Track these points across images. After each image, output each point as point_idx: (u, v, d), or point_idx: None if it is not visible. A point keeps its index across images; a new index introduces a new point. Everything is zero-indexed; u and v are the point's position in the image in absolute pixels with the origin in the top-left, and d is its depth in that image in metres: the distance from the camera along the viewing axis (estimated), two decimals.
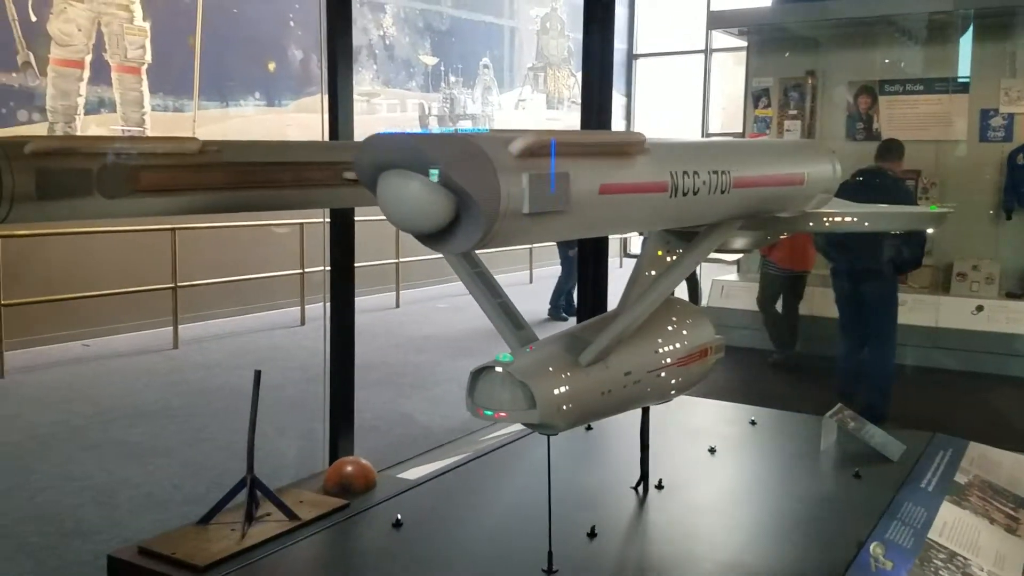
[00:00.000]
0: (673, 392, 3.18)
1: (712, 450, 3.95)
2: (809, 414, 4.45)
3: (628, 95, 17.21)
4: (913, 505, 3.38)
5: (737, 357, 8.44)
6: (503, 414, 2.45)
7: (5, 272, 7.52)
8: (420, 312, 11.03)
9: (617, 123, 17.08)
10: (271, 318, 10.14)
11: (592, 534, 3.04)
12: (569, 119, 16.14)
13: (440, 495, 3.36)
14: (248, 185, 2.16)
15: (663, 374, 3.03)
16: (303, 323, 9.86)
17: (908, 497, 3.44)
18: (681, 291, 3.47)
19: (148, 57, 9.38)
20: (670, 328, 3.13)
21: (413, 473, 3.82)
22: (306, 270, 9.87)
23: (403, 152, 1.39)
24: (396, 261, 11.07)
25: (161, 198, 2.06)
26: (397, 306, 11.21)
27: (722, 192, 2.17)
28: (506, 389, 2.46)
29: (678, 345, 3.11)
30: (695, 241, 2.61)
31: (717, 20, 9.25)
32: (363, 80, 11.55)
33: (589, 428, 4.21)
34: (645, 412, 3.47)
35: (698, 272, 10.35)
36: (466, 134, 1.46)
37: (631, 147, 1.79)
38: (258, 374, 3.01)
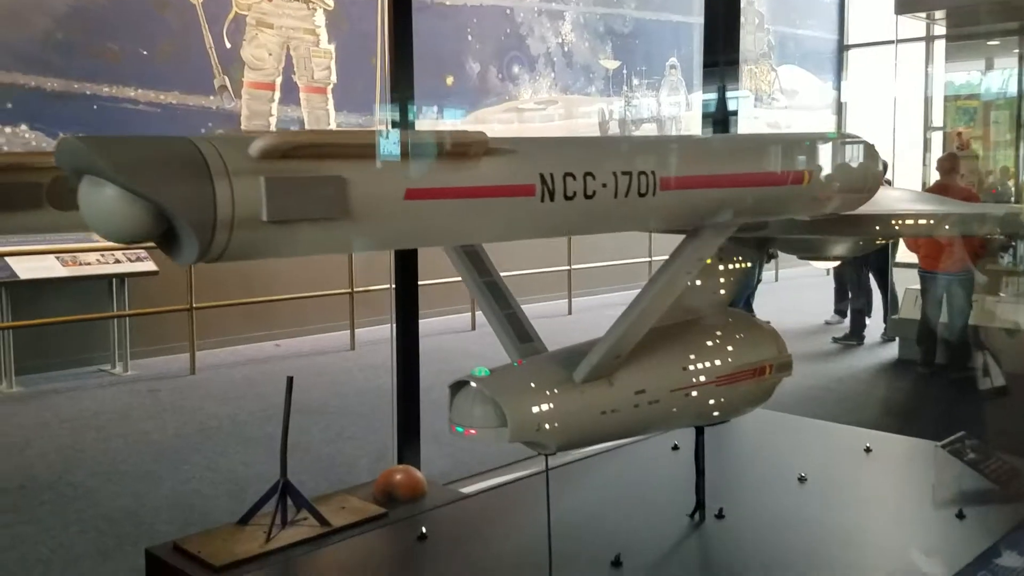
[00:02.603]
0: (716, 413, 2.93)
1: (802, 479, 3.59)
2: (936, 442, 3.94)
3: (838, 88, 16.14)
4: (1018, 555, 2.89)
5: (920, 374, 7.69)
6: (472, 431, 2.36)
7: (203, 278, 8.28)
8: (591, 320, 10.93)
9: (826, 118, 16.11)
10: (447, 322, 10.42)
11: (617, 563, 2.85)
12: (770, 117, 15.40)
13: (481, 511, 3.30)
14: None
15: (695, 393, 2.79)
16: (474, 328, 10.08)
17: (1015, 544, 2.95)
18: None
19: (333, 77, 9.98)
20: (710, 343, 2.88)
21: (480, 486, 3.78)
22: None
23: (88, 157, 1.34)
24: (568, 268, 11.06)
25: None
26: (569, 313, 11.18)
27: (641, 194, 1.94)
28: (477, 405, 2.36)
29: (719, 362, 2.85)
30: (678, 248, 2.38)
31: (906, 4, 8.41)
32: (540, 88, 11.63)
33: (675, 447, 3.97)
34: (699, 433, 3.21)
35: (892, 279, 9.46)
36: (183, 137, 1.39)
37: (465, 148, 1.64)
38: (290, 380, 3.09)
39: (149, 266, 8.37)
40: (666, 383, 2.71)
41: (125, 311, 8.33)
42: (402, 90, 3.57)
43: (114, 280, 8.32)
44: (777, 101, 15.52)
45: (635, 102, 12.96)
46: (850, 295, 9.96)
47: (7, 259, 7.53)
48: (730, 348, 2.91)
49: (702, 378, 2.80)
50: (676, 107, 13.67)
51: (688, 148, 2.34)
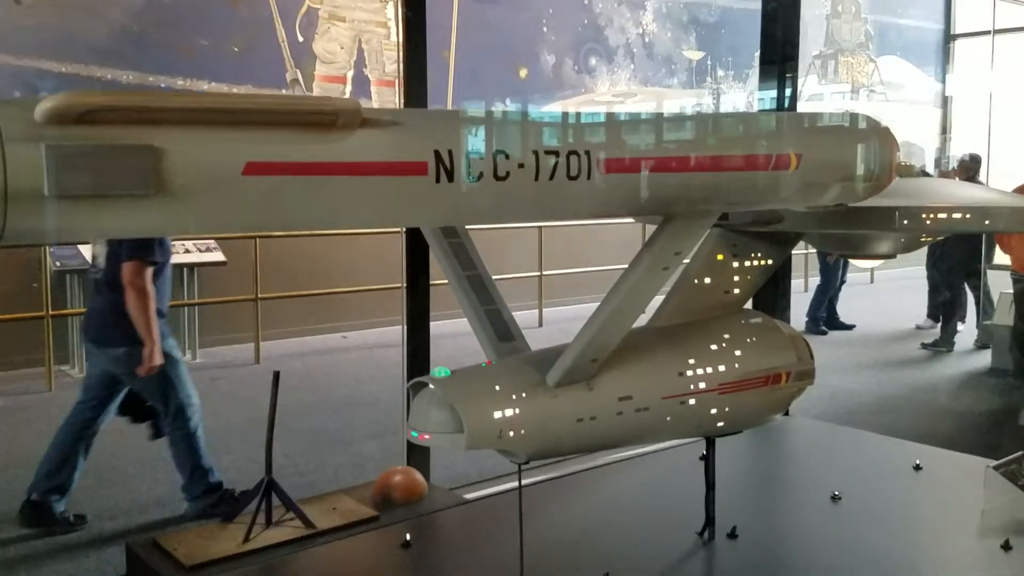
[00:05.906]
0: (721, 424, 2.68)
1: (835, 497, 3.28)
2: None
3: (943, 81, 15.25)
4: None
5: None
6: (427, 436, 2.19)
7: (272, 269, 8.37)
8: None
9: (930, 111, 15.22)
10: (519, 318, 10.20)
11: None
12: (868, 110, 14.66)
13: (475, 518, 3.14)
14: None
15: (692, 401, 2.55)
16: (540, 325, 9.88)
17: None
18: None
19: None
20: (714, 347, 2.63)
21: (491, 490, 3.62)
22: (544, 272, 9.88)
23: None
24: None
25: None
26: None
27: (572, 177, 1.72)
28: (433, 409, 2.19)
29: (723, 368, 2.60)
30: (649, 240, 2.14)
31: None
32: (619, 80, 11.33)
33: (703, 457, 3.70)
34: (711, 444, 2.95)
35: (986, 283, 8.79)
36: None
37: (331, 116, 1.45)
38: (276, 375, 2.98)
39: (218, 256, 8.51)
40: (657, 389, 2.48)
41: (194, 300, 8.48)
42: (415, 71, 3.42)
43: (184, 270, 8.48)
44: (878, 94, 14.76)
45: (719, 93, 12.51)
46: (942, 298, 9.36)
47: (80, 247, 7.74)
48: (738, 353, 2.65)
49: (701, 385, 2.56)
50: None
51: (639, 127, 2.10)
